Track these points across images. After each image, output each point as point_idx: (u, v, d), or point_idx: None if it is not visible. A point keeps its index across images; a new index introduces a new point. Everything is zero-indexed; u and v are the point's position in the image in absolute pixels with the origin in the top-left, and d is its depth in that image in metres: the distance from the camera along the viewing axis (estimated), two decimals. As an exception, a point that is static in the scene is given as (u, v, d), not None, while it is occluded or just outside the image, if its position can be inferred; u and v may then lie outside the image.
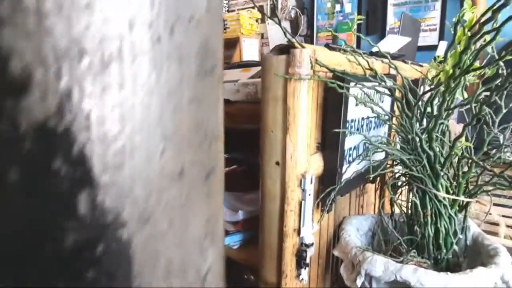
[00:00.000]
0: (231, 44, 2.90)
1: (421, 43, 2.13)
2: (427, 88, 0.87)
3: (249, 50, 3.04)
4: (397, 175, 0.91)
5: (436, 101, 0.77)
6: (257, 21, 3.10)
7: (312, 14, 3.25)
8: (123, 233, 0.20)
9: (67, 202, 0.17)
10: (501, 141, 0.80)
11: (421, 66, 1.21)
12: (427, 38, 2.70)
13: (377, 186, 1.05)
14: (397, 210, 1.00)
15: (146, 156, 0.21)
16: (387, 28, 2.86)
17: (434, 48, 2.38)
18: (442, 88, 0.67)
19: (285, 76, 0.66)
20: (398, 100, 0.77)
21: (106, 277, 0.19)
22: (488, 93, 0.69)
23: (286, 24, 3.35)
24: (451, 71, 0.63)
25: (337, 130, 0.73)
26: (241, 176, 1.16)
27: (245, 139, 1.36)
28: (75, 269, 0.18)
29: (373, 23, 2.87)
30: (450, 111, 0.75)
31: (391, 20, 2.84)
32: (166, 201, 0.23)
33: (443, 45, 1.88)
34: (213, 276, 0.32)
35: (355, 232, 0.92)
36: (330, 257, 0.96)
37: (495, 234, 1.47)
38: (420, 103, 0.77)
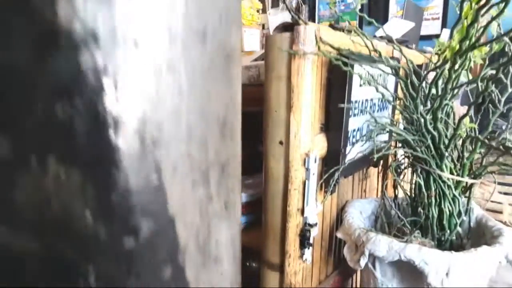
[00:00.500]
0: (232, 34, 2.88)
1: (423, 32, 2.11)
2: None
3: (250, 41, 3.02)
4: (400, 157, 0.90)
5: (441, 82, 0.76)
6: (258, 11, 3.07)
7: (314, 4, 3.23)
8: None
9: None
10: (507, 123, 0.79)
11: (425, 52, 1.20)
12: (430, 27, 2.68)
13: (380, 170, 1.04)
14: (400, 194, 1.00)
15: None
16: (390, 17, 2.83)
17: (436, 37, 2.36)
18: (448, 66, 0.66)
19: (289, 51, 0.66)
20: (402, 79, 0.76)
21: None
22: (494, 72, 0.68)
23: (287, 14, 3.32)
24: (457, 46, 0.62)
25: (341, 105, 0.72)
26: (243, 161, 1.15)
27: (248, 124, 1.36)
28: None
29: (375, 11, 2.85)
30: (455, 91, 0.74)
31: (394, 8, 2.81)
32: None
33: (446, 33, 1.87)
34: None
35: (358, 215, 0.92)
36: (333, 239, 0.96)
37: (499, 212, 1.47)
38: (424, 84, 0.76)
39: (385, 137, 0.96)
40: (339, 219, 0.96)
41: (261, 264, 0.81)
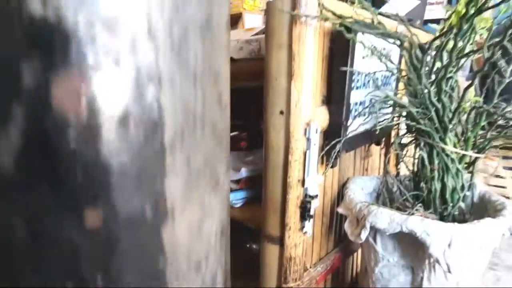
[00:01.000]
0: (234, 20, 2.85)
1: (428, 16, 2.08)
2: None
3: (252, 26, 2.99)
4: (403, 132, 0.89)
5: (446, 56, 0.75)
6: (260, -4, 3.04)
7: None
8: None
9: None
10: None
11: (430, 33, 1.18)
12: (434, 12, 2.64)
13: (382, 146, 1.03)
14: (402, 172, 0.99)
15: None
16: None
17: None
18: (453, 32, 0.64)
19: (290, 13, 0.64)
20: (407, 49, 0.75)
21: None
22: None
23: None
24: (463, 10, 0.60)
25: (344, 68, 0.70)
26: (243, 141, 1.14)
27: (248, 106, 1.34)
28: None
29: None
30: (461, 60, 0.73)
31: (398, -7, 2.77)
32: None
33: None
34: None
35: (360, 191, 0.91)
36: (334, 216, 0.95)
37: (503, 187, 1.46)
38: (428, 58, 0.75)
39: (388, 112, 0.94)
40: (340, 196, 0.95)
41: (261, 238, 0.81)
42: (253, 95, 1.03)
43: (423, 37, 1.06)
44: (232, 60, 0.95)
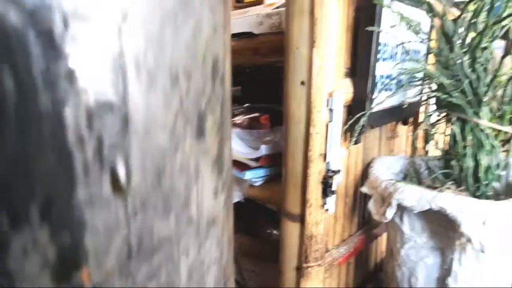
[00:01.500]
0: None
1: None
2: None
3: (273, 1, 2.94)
4: (433, 109, 0.84)
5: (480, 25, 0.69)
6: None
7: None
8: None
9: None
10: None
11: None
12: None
13: (410, 124, 0.98)
14: (430, 153, 0.94)
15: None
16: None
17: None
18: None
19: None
20: (438, 15, 0.70)
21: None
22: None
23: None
24: (503, -35, 0.55)
25: (371, 28, 0.66)
26: (265, 120, 1.11)
27: (269, 89, 1.31)
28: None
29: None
30: (497, 26, 0.67)
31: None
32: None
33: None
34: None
35: (385, 171, 0.86)
36: (358, 197, 0.91)
37: None
38: (461, 30, 0.69)
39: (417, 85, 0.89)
40: (364, 177, 0.91)
41: (281, 215, 0.78)
42: (274, 70, 1.00)
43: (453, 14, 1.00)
44: (252, 35, 0.93)
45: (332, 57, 0.67)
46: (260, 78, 1.44)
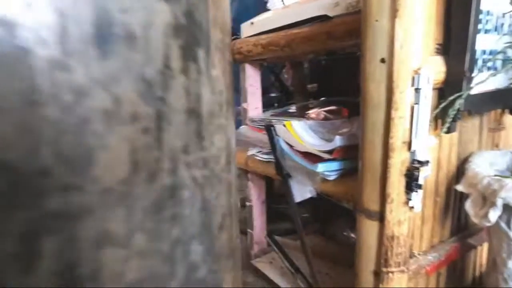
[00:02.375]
0: None
1: None
2: None
3: None
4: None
5: None
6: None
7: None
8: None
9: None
10: None
11: None
12: None
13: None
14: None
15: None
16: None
17: None
18: None
19: None
20: None
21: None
22: None
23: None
24: None
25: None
26: (339, 113, 1.03)
27: (346, 81, 1.23)
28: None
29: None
30: None
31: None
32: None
33: None
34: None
35: (487, 167, 0.72)
36: (452, 197, 0.78)
37: None
38: None
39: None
40: (460, 174, 0.77)
41: (357, 212, 0.70)
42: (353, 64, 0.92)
43: None
44: (327, 18, 0.86)
45: (418, 29, 0.58)
46: (336, 69, 1.36)
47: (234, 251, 0.44)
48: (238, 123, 1.20)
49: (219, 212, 0.39)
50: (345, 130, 0.89)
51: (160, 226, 0.31)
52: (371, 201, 0.66)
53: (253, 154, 1.07)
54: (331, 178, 0.81)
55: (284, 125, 0.90)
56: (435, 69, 0.63)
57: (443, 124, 0.66)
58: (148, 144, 0.29)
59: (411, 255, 0.71)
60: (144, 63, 0.29)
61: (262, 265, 1.17)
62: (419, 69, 0.58)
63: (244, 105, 1.17)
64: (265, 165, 1.02)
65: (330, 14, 0.86)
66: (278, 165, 0.93)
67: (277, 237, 1.24)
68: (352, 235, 1.27)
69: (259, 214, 1.22)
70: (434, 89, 0.63)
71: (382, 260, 0.66)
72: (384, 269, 0.66)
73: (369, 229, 0.68)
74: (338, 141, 0.79)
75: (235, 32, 1.16)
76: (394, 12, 0.56)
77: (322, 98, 1.28)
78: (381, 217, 0.65)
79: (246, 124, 1.15)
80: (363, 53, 0.62)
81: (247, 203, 1.22)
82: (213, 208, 0.38)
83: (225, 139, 0.40)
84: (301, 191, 0.94)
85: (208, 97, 0.36)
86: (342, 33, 0.82)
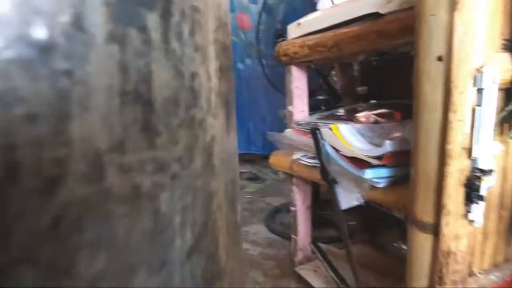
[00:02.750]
0: None
1: None
2: None
3: None
4: None
5: None
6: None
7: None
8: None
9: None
10: None
11: None
12: None
13: None
14: None
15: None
16: None
17: None
18: None
19: None
20: None
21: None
22: None
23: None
24: None
25: None
26: (391, 116, 0.97)
27: (398, 83, 1.16)
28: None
29: None
30: None
31: None
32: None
33: None
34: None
35: None
36: (519, 210, 0.70)
37: None
38: None
39: None
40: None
41: (409, 224, 0.65)
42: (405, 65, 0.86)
43: None
44: (378, 16, 0.82)
45: (481, 23, 0.52)
46: (388, 71, 1.29)
47: (222, 276, 0.36)
48: (284, 126, 1.18)
49: (188, 231, 0.30)
50: (396, 134, 0.83)
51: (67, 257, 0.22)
52: (424, 212, 0.61)
53: (298, 158, 1.05)
54: (380, 185, 0.76)
55: (330, 129, 0.87)
56: (501, 67, 0.56)
57: (510, 129, 0.59)
58: (39, 138, 0.21)
59: (471, 274, 0.64)
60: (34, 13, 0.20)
61: (306, 272, 1.14)
62: (482, 67, 0.52)
63: (289, 108, 1.14)
64: (310, 169, 0.99)
65: (382, 11, 0.81)
66: (323, 170, 0.89)
67: (321, 245, 1.19)
68: (404, 246, 1.19)
69: (304, 220, 1.19)
70: (500, 89, 0.57)
71: (436, 277, 0.60)
72: (438, 287, 0.60)
73: (421, 242, 0.62)
74: (388, 146, 0.74)
75: (283, 34, 1.15)
76: (453, 5, 0.51)
77: (372, 101, 1.22)
78: (435, 230, 0.59)
79: (292, 128, 1.12)
80: (417, 51, 0.57)
81: (291, 208, 1.19)
82: (176, 226, 0.29)
83: (207, 138, 0.32)
84: (348, 198, 0.90)
85: (166, 79, 0.27)
86: (394, 31, 0.78)
